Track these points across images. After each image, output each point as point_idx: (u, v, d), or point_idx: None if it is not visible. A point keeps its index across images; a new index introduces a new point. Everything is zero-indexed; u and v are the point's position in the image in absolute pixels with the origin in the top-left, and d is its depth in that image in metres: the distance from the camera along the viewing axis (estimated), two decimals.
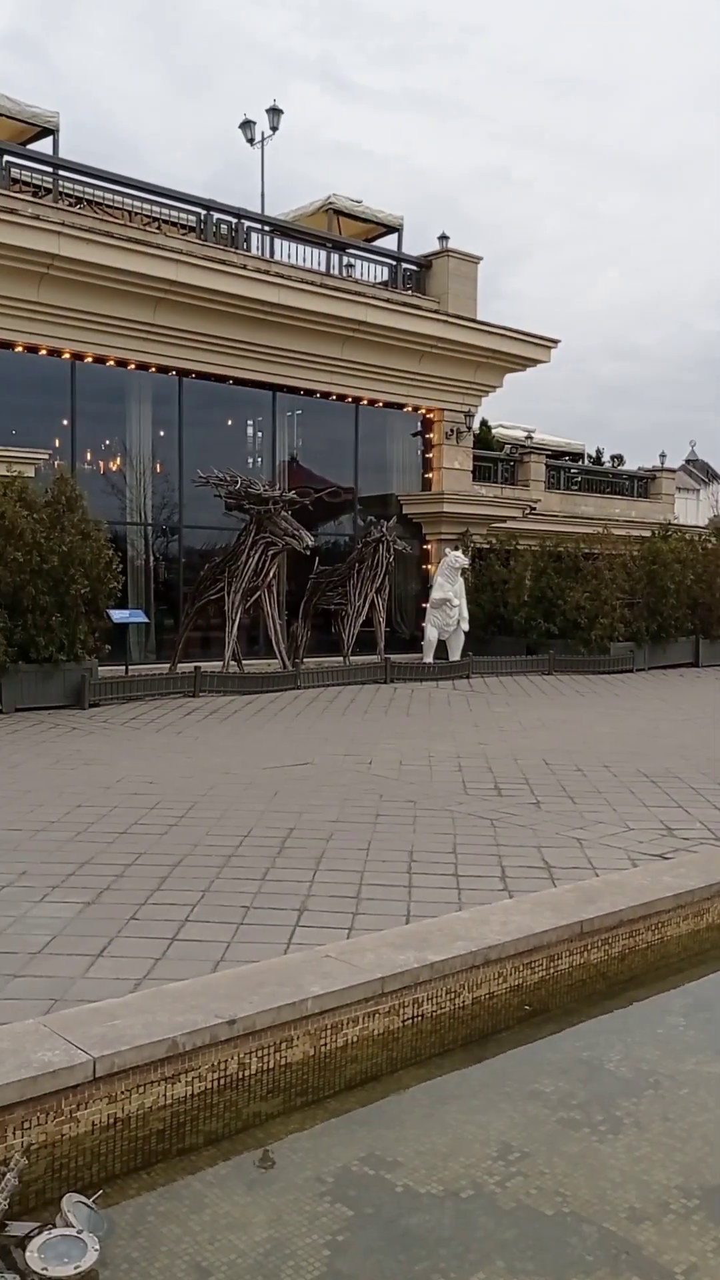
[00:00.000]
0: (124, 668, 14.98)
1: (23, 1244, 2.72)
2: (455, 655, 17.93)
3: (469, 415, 21.04)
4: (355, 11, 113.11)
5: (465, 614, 18.11)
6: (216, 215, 17.48)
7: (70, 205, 15.97)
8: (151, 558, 17.35)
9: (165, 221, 17.19)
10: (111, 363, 16.13)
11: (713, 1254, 2.85)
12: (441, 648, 18.06)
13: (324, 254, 18.97)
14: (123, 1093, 3.32)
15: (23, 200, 14.89)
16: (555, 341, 21.06)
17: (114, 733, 10.88)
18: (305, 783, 8.12)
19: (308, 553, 15.74)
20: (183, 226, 17.49)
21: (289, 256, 18.31)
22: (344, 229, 20.24)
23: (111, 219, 16.10)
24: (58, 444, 15.81)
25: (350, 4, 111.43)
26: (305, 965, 4.11)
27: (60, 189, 16.06)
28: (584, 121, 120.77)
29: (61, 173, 16.16)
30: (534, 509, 22.30)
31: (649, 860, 5.88)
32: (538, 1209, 3.05)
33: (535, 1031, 4.32)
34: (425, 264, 20.41)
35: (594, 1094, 3.77)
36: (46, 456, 14.77)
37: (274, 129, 25.39)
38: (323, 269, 18.76)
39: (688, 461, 49.53)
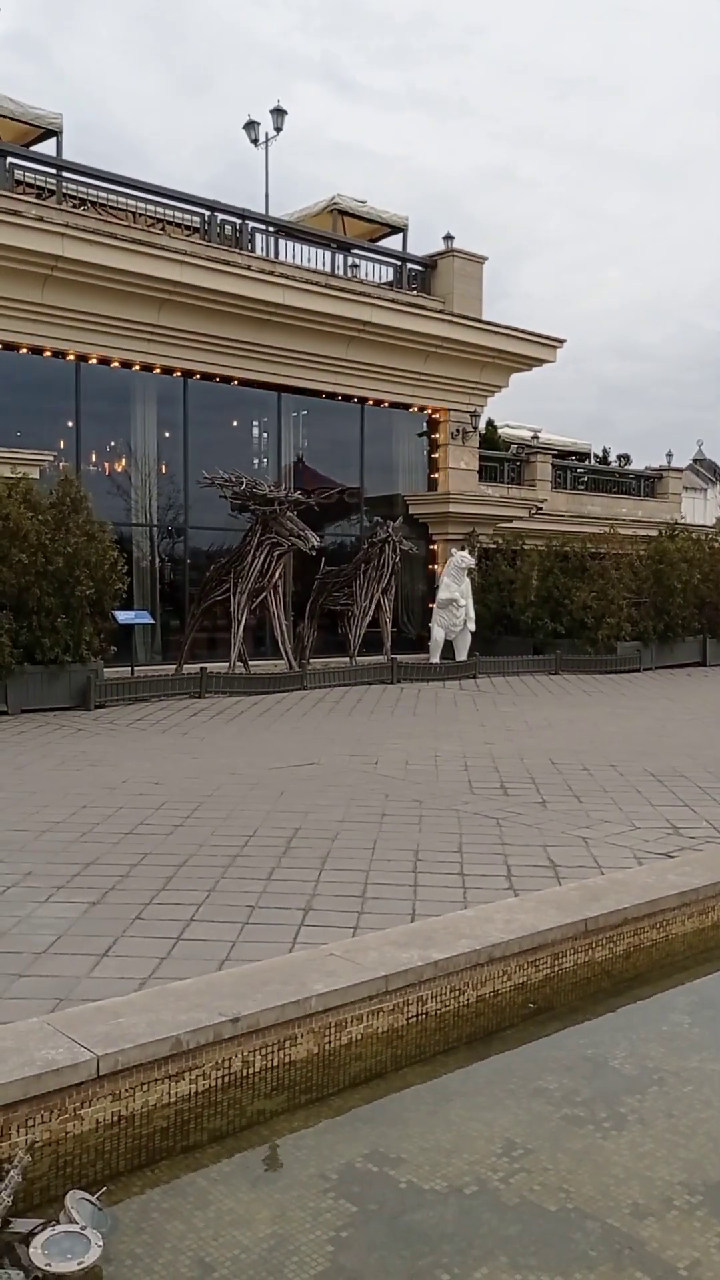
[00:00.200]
0: (130, 669, 15.01)
1: (27, 1240, 2.73)
2: (462, 655, 17.92)
3: (475, 415, 21.03)
4: (357, 11, 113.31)
5: (472, 614, 18.10)
6: (220, 216, 17.51)
7: (74, 207, 16.01)
8: (157, 559, 17.38)
9: (169, 223, 17.23)
10: (116, 364, 16.17)
11: (716, 1249, 2.84)
12: (448, 648, 18.05)
13: (329, 254, 19.00)
14: (126, 1090, 3.33)
15: (26, 202, 14.94)
16: (561, 341, 21.05)
17: (119, 734, 10.90)
18: (311, 783, 8.13)
19: (313, 553, 15.76)
20: (187, 227, 17.52)
21: (293, 257, 18.34)
22: (348, 229, 20.25)
23: (115, 220, 16.14)
24: (62, 445, 15.85)
25: (351, 3, 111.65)
26: (309, 964, 4.11)
27: (64, 190, 16.10)
28: (586, 121, 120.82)
29: (65, 174, 16.20)
30: (540, 509, 22.27)
31: (655, 859, 5.87)
32: (541, 1205, 3.05)
33: (539, 1029, 4.32)
34: (430, 264, 20.42)
35: (598, 1091, 3.76)
36: (51, 458, 14.82)
37: (278, 129, 25.45)
38: (327, 269, 18.78)
39: (695, 461, 49.42)
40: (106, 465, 17.03)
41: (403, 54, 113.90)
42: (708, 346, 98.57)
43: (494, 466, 23.71)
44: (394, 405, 19.93)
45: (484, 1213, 3.03)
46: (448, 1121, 3.55)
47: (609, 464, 35.65)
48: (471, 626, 18.08)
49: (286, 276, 17.04)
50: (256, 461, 18.83)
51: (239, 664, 15.30)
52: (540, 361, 21.06)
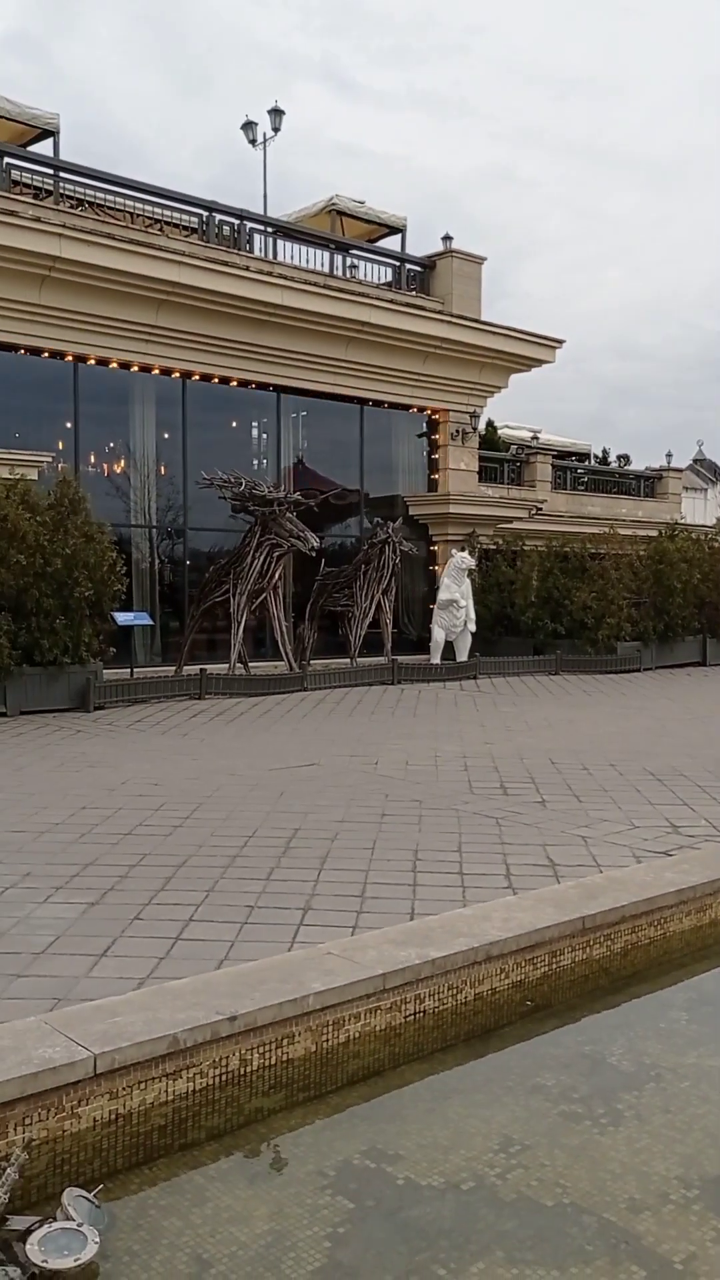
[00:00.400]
0: (129, 670, 15.02)
1: (24, 1238, 2.73)
2: (462, 656, 17.93)
3: (474, 416, 21.04)
4: (356, 11, 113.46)
5: (472, 615, 18.11)
6: (218, 216, 17.53)
7: (71, 207, 16.03)
8: (156, 560, 17.39)
9: (167, 223, 17.24)
10: (114, 365, 16.18)
11: (712, 1243, 2.85)
12: (448, 649, 18.06)
13: (327, 255, 19.02)
14: (124, 1089, 3.33)
15: (24, 202, 14.96)
16: (560, 342, 21.06)
17: (119, 735, 10.91)
18: (311, 784, 8.14)
19: (313, 554, 15.76)
20: (185, 228, 17.54)
21: (292, 258, 18.35)
22: (347, 230, 20.27)
23: (113, 221, 16.16)
24: (61, 446, 15.87)
25: (351, 3, 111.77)
26: (307, 962, 4.12)
27: (61, 191, 16.12)
28: (586, 121, 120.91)
29: (62, 174, 16.22)
30: (540, 509, 22.28)
31: (653, 857, 5.88)
32: (538, 1200, 3.06)
33: (537, 1027, 4.32)
34: (429, 264, 20.44)
35: (595, 1087, 3.77)
36: (50, 459, 14.83)
37: (276, 130, 25.47)
38: (326, 270, 18.80)
39: (695, 461, 49.44)
40: (105, 466, 17.05)
41: (403, 54, 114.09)
42: (708, 346, 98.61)
43: (494, 467, 23.73)
44: (393, 406, 19.94)
45: (481, 1208, 3.04)
46: (445, 1118, 3.55)
47: (609, 464, 35.66)
48: (472, 627, 18.09)
49: (285, 277, 17.06)
50: (256, 462, 18.85)
51: (239, 665, 15.31)
52: (539, 362, 21.07)
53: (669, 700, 14.48)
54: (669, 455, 32.11)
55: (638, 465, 33.44)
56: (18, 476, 13.10)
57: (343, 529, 20.04)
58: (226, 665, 15.12)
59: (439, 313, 19.35)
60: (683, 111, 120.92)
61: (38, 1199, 3.01)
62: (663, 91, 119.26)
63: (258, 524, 14.96)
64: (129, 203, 16.96)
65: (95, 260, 14.72)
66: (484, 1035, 4.21)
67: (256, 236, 18.08)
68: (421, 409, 20.44)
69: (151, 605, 16.98)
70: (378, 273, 20.08)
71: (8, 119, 16.19)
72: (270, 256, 18.03)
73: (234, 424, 18.87)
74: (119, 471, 17.10)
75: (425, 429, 20.92)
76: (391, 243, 21.03)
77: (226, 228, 17.64)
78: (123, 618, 14.40)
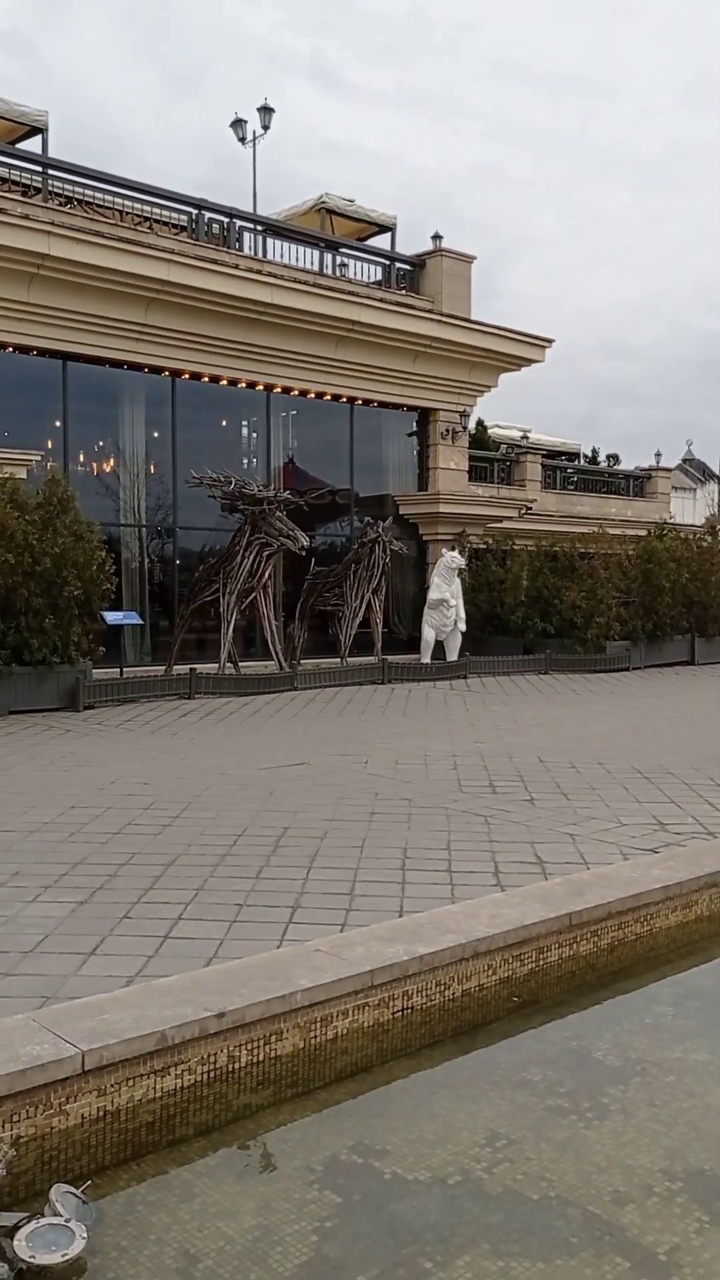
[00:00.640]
0: (119, 670, 15.01)
1: (11, 1234, 2.74)
2: (452, 655, 17.96)
3: (464, 415, 21.07)
4: (346, 8, 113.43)
5: (462, 614, 18.15)
6: (208, 214, 17.51)
7: (60, 205, 15.99)
8: (146, 559, 17.38)
9: (157, 221, 17.20)
10: (104, 363, 16.16)
11: (695, 1235, 2.88)
12: (439, 648, 18.09)
13: (317, 253, 19.01)
14: (112, 1086, 3.35)
15: (12, 200, 14.92)
16: (549, 341, 21.10)
17: (108, 735, 10.90)
18: (301, 783, 8.15)
19: (303, 553, 15.77)
20: (174, 226, 17.51)
21: (282, 256, 18.35)
22: (337, 228, 20.28)
23: (102, 218, 16.13)
24: (50, 445, 15.83)
25: (341, 1, 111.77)
26: (295, 959, 4.13)
27: (50, 188, 16.07)
28: (577, 120, 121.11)
29: (51, 172, 16.17)
30: (530, 509, 22.34)
31: (640, 854, 5.91)
32: (524, 1194, 3.08)
33: (524, 1022, 4.35)
34: (419, 263, 20.46)
35: (581, 1082, 3.80)
36: (39, 458, 14.80)
37: (265, 128, 25.46)
38: (316, 269, 18.80)
39: (684, 461, 49.62)
40: (94, 465, 17.02)
41: (393, 52, 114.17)
42: (700, 346, 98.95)
43: (484, 467, 23.77)
44: (383, 405, 19.96)
45: (467, 1202, 3.06)
46: (432, 1113, 3.57)
47: (598, 464, 35.76)
48: (462, 627, 18.14)
49: (275, 275, 17.06)
50: (246, 461, 18.84)
51: (229, 665, 15.31)
52: (529, 361, 21.11)
53: (657, 699, 14.54)
54: (658, 455, 32.24)
55: (627, 465, 33.54)
56: (6, 475, 13.08)
57: (333, 528, 20.05)
58: (216, 665, 15.12)
59: (429, 312, 19.38)
60: (674, 110, 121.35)
61: (25, 1195, 3.02)
62: (654, 90, 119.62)
63: (247, 523, 14.96)
64: (118, 200, 16.92)
65: (84, 258, 14.69)
66: (471, 1031, 4.23)
67: (246, 234, 18.07)
68: (411, 408, 20.46)
69: (141, 604, 16.96)
70: (368, 271, 20.09)
71: None
72: (260, 255, 18.02)
73: (224, 423, 18.87)
74: (108, 470, 17.08)
75: (415, 428, 20.94)
76: (381, 241, 21.05)
77: (216, 226, 17.63)
78: (112, 617, 14.38)
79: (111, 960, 4.26)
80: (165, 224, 17.38)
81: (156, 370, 16.75)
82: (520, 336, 20.60)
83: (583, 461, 34.27)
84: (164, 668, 15.60)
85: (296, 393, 18.60)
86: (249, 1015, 3.67)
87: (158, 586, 17.52)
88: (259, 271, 16.90)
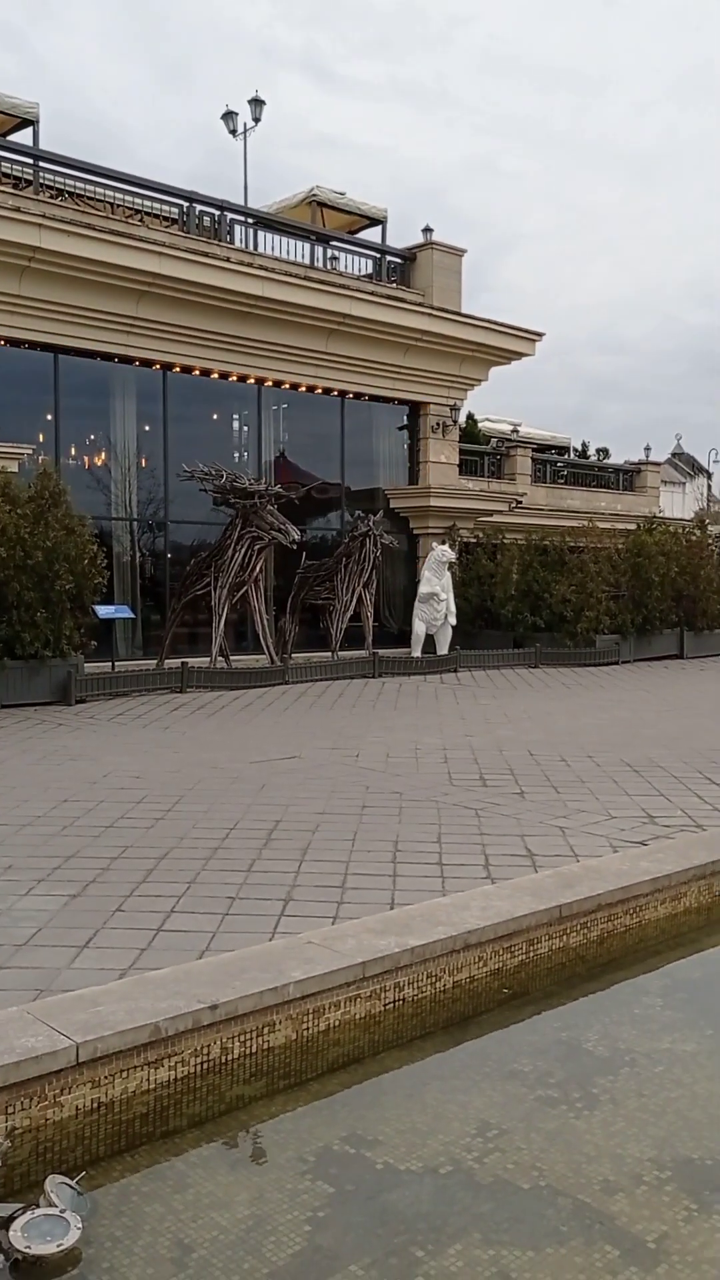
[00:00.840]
0: (110, 664, 14.99)
1: (6, 1224, 2.77)
2: (443, 649, 17.99)
3: (455, 409, 21.08)
4: (338, 1, 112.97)
5: (452, 608, 18.17)
6: (199, 207, 17.46)
7: (51, 197, 15.91)
8: (137, 553, 17.36)
9: (148, 213, 17.15)
10: (95, 356, 16.11)
11: (683, 1223, 2.92)
12: (429, 642, 18.12)
13: (308, 246, 18.97)
14: (106, 1077, 3.37)
15: (3, 192, 14.84)
16: (539, 334, 21.12)
17: (100, 728, 10.90)
18: (292, 776, 8.17)
19: (294, 547, 15.76)
20: (165, 218, 17.46)
21: (273, 249, 18.31)
22: (327, 221, 20.24)
23: (93, 211, 16.06)
24: (41, 439, 15.79)
25: None
26: (288, 951, 4.16)
27: (41, 181, 16.01)
28: (570, 113, 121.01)
29: (42, 164, 16.10)
30: (520, 503, 22.37)
31: (629, 847, 5.95)
32: (514, 1183, 3.12)
33: (515, 1014, 4.39)
34: (410, 256, 20.43)
35: (571, 1073, 3.83)
36: (30, 451, 14.76)
37: (256, 120, 25.38)
38: (307, 261, 18.76)
39: (673, 455, 49.70)
40: (86, 459, 16.98)
41: (385, 45, 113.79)
42: (692, 340, 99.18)
43: (474, 460, 23.78)
44: (374, 399, 19.96)
45: (459, 1191, 3.10)
46: (424, 1104, 3.61)
47: (588, 458, 35.81)
48: (452, 620, 18.16)
49: (266, 268, 17.02)
50: (237, 455, 18.81)
51: (220, 658, 15.31)
52: (519, 355, 21.12)
53: (646, 693, 14.60)
54: (647, 449, 32.27)
55: (617, 459, 33.61)
56: None
57: (324, 522, 20.05)
58: (208, 658, 15.12)
59: (419, 305, 19.37)
60: (666, 104, 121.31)
61: (20, 1186, 3.04)
62: (646, 84, 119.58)
63: (239, 517, 14.95)
64: (109, 193, 16.86)
65: (75, 251, 14.64)
66: (462, 1022, 4.26)
67: (237, 227, 18.03)
68: (402, 401, 20.47)
69: (133, 598, 16.95)
70: (358, 264, 20.07)
71: None
72: (251, 247, 17.98)
73: (215, 416, 18.83)
74: (100, 464, 17.04)
75: (406, 422, 20.94)
76: (372, 234, 21.03)
77: (207, 218, 17.59)
78: (104, 611, 14.37)
79: (104, 953, 4.27)
80: (156, 217, 17.32)
81: (148, 363, 16.71)
82: (510, 330, 20.61)
83: (573, 455, 34.31)
84: (155, 661, 15.59)
85: (287, 386, 18.58)
86: (242, 1007, 3.69)
87: (149, 580, 17.51)
88: (250, 264, 16.87)
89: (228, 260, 16.48)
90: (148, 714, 11.96)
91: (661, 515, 25.26)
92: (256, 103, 25.29)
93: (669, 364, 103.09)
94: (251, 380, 18.06)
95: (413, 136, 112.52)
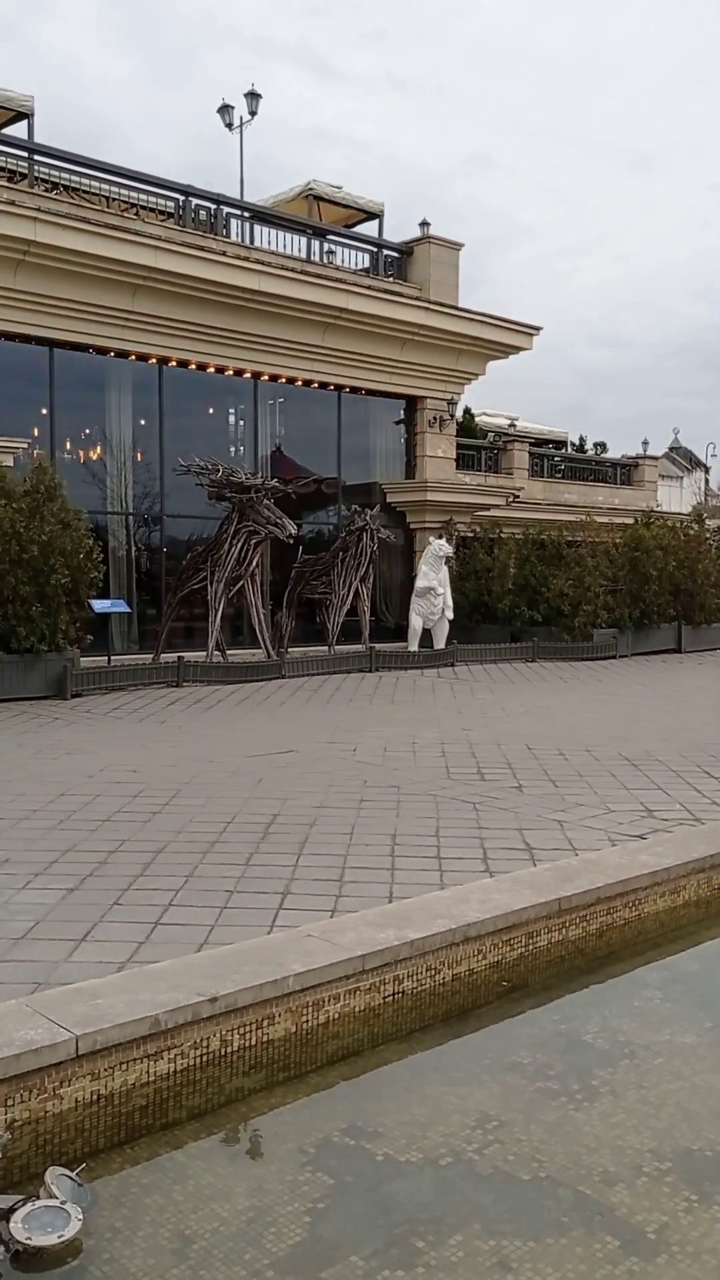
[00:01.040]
0: (106, 658, 14.98)
1: (7, 1216, 2.76)
2: (440, 643, 17.99)
3: (452, 403, 21.06)
4: None
5: (450, 602, 18.17)
6: (195, 201, 17.42)
7: (46, 190, 15.87)
8: (133, 547, 17.33)
9: (143, 207, 17.11)
10: (90, 350, 16.07)
11: (684, 1213, 2.92)
12: (426, 636, 18.12)
13: (304, 240, 18.94)
14: (105, 1070, 3.36)
15: None
16: (537, 329, 21.09)
17: (97, 722, 10.89)
18: (289, 770, 8.16)
19: (291, 541, 15.76)
20: (161, 212, 17.42)
21: (269, 243, 18.28)
22: (324, 215, 20.20)
23: (88, 204, 16.02)
24: (36, 433, 15.76)
25: None
26: (287, 944, 4.15)
27: (36, 174, 15.96)
28: (568, 107, 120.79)
29: (37, 157, 16.05)
30: (517, 497, 22.36)
31: (628, 840, 5.95)
32: (515, 1174, 3.11)
33: (514, 1006, 4.38)
34: (406, 250, 20.40)
35: (571, 1065, 3.83)
36: (25, 445, 14.73)
37: (252, 114, 25.30)
38: (303, 255, 18.73)
39: (671, 449, 49.72)
40: (81, 453, 16.95)
41: (382, 38, 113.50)
42: (688, 333, 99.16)
43: (471, 454, 23.76)
44: (371, 393, 19.93)
45: (459, 1183, 3.09)
46: (424, 1096, 3.60)
47: (585, 452, 35.81)
48: (449, 614, 18.16)
49: (262, 262, 16.98)
50: (233, 449, 18.79)
51: (216, 653, 15.30)
52: (516, 349, 21.10)
53: (644, 686, 14.61)
54: (645, 443, 32.29)
55: (614, 453, 33.59)
56: None
57: (320, 516, 20.03)
58: (204, 653, 15.11)
59: (416, 299, 19.33)
60: (663, 97, 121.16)
61: (20, 1178, 3.03)
62: (644, 77, 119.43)
63: (235, 511, 14.93)
64: (104, 186, 16.82)
65: (70, 244, 14.60)
66: (462, 1015, 4.26)
67: (233, 221, 17.99)
68: (399, 396, 20.43)
69: (129, 593, 16.93)
70: (355, 258, 20.02)
71: None
72: (247, 241, 17.94)
73: (211, 411, 18.80)
74: (95, 458, 17.01)
75: (403, 416, 20.91)
76: (369, 228, 20.98)
77: (203, 212, 17.54)
78: (100, 605, 14.35)
79: (103, 946, 4.27)
80: (152, 210, 17.28)
81: (143, 357, 16.67)
82: (508, 324, 20.58)
83: (570, 449, 34.30)
84: (152, 656, 15.58)
85: (284, 380, 18.55)
86: (241, 1000, 3.69)
87: (145, 574, 17.48)
88: (246, 258, 16.83)
89: (223, 254, 16.44)
90: (144, 708, 11.94)
91: (659, 509, 25.24)
92: (253, 96, 25.22)
93: (667, 357, 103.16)
94: (248, 374, 18.03)
95: (409, 129, 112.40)
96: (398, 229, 27.34)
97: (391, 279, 19.94)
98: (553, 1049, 4.00)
